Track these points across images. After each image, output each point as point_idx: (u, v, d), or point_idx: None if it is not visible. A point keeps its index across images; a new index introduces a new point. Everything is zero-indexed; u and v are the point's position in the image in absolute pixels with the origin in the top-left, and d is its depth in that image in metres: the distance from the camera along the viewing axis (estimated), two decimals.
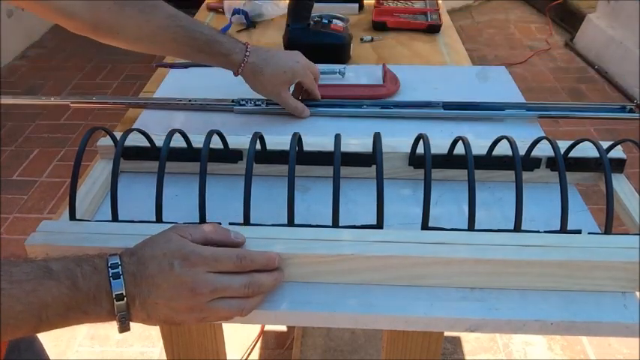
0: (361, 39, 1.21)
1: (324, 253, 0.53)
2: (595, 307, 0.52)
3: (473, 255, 0.53)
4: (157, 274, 0.48)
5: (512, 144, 0.58)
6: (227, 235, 0.53)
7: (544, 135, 0.63)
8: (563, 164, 0.56)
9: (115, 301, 0.47)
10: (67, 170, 2.14)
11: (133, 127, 0.66)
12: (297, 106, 0.85)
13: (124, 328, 0.49)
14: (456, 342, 1.50)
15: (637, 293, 0.54)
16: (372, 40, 1.22)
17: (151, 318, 0.49)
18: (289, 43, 1.08)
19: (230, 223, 0.57)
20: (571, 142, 0.65)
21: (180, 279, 0.48)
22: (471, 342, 1.50)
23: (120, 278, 0.48)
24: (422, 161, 0.65)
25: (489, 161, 0.68)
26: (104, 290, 0.47)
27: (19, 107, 2.58)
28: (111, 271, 0.48)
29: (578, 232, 0.56)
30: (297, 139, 0.60)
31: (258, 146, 0.66)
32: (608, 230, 0.56)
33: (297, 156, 0.59)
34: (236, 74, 0.83)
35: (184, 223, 0.55)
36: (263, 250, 0.53)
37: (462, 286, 0.54)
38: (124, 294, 0.48)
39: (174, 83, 0.98)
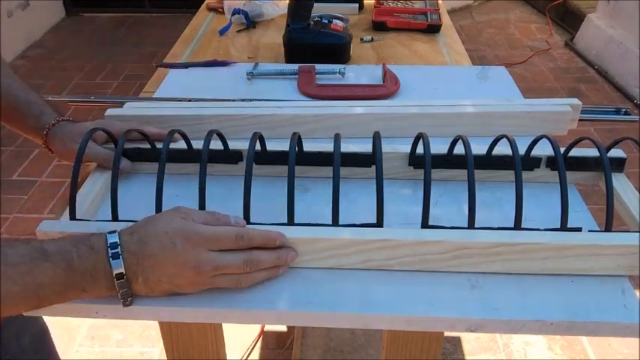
0: (361, 39, 1.21)
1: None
2: (595, 307, 0.52)
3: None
4: (159, 253, 0.49)
5: (512, 143, 0.58)
6: (227, 220, 0.55)
7: (544, 134, 0.63)
8: (563, 164, 0.56)
9: (115, 279, 0.49)
10: (67, 170, 2.14)
11: (133, 128, 0.66)
12: (102, 153, 0.68)
13: (126, 303, 0.51)
14: (456, 342, 1.50)
15: (637, 293, 0.54)
16: (372, 40, 1.22)
17: (154, 291, 0.51)
18: (289, 43, 1.08)
19: None
20: (571, 142, 0.65)
21: (182, 257, 0.50)
22: (471, 342, 1.50)
23: (119, 258, 0.49)
24: (422, 161, 0.65)
25: (489, 161, 0.68)
26: (102, 269, 0.48)
27: None
28: (110, 251, 0.49)
29: (579, 229, 0.56)
30: (296, 140, 0.60)
31: (258, 147, 0.66)
32: (608, 229, 0.56)
33: (297, 156, 0.59)
34: (44, 137, 0.70)
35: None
36: (264, 230, 0.54)
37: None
38: (124, 273, 0.49)
39: (174, 83, 0.98)
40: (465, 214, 0.56)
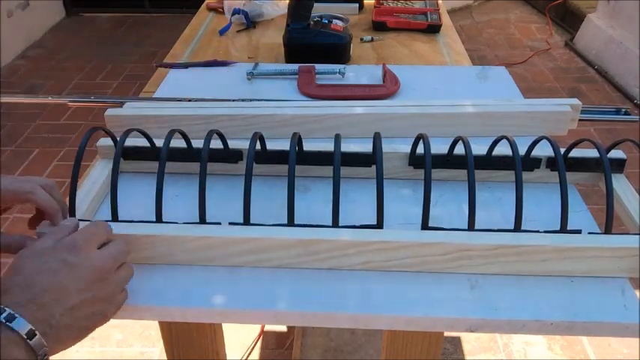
0: (361, 39, 1.21)
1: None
2: (595, 307, 0.52)
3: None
4: (54, 280, 0.43)
5: (512, 144, 0.58)
6: (77, 223, 0.52)
7: (544, 136, 0.63)
8: (563, 164, 0.56)
9: (25, 340, 0.40)
10: (67, 170, 2.14)
11: (132, 127, 0.66)
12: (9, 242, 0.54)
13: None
14: (456, 342, 1.50)
15: (637, 293, 0.54)
16: (372, 40, 1.22)
17: (71, 332, 0.44)
18: (289, 43, 1.08)
19: (230, 223, 0.57)
20: (571, 142, 0.65)
21: (81, 266, 0.45)
22: (471, 342, 1.50)
23: (16, 317, 0.40)
24: (422, 161, 0.65)
25: (489, 161, 0.68)
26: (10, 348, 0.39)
27: (19, 107, 2.58)
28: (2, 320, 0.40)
29: (578, 231, 0.56)
30: (297, 139, 0.60)
31: (258, 146, 0.66)
32: (608, 230, 0.56)
33: (297, 156, 0.59)
34: None
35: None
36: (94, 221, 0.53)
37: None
38: (32, 327, 0.40)
39: (174, 83, 0.98)
40: (465, 214, 0.56)
